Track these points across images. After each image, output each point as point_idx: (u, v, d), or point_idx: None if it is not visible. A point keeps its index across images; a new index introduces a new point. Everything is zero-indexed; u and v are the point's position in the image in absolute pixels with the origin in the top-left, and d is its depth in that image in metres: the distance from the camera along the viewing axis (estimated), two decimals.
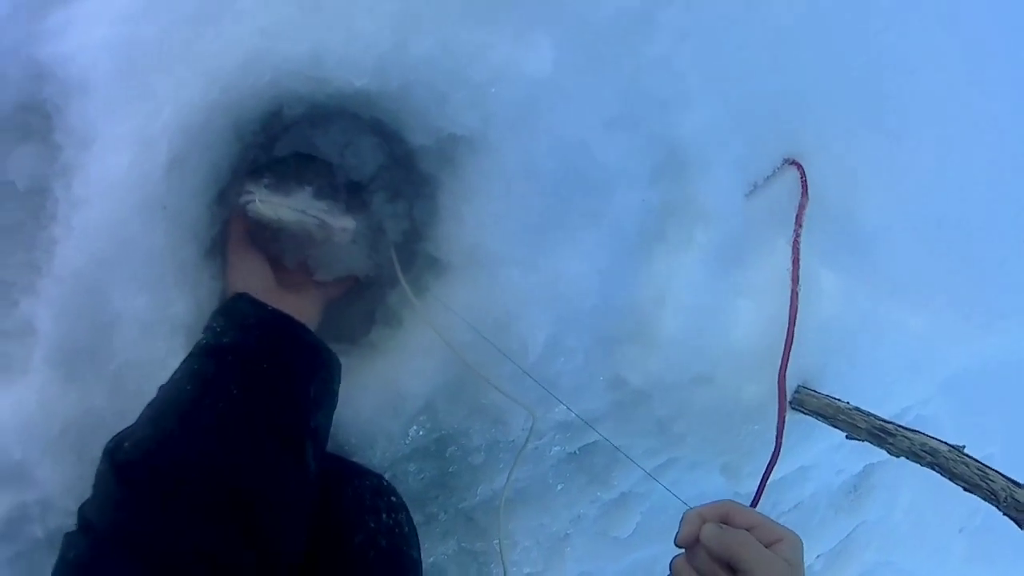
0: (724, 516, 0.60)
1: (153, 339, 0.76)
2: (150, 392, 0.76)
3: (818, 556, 1.58)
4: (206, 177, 0.77)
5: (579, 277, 0.87)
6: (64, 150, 0.77)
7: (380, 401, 0.87)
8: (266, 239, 0.79)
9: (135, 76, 0.70)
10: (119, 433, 0.62)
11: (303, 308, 0.75)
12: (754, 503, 1.03)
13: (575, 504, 1.09)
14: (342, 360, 0.78)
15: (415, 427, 0.90)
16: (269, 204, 0.74)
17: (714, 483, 1.14)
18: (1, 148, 0.79)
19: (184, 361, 0.67)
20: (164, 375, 0.76)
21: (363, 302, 0.93)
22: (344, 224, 0.77)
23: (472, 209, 0.82)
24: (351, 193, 0.82)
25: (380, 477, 0.81)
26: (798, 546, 0.58)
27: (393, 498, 0.79)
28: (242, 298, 0.71)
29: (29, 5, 0.75)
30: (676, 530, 0.62)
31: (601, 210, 0.87)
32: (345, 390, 0.79)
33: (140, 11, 0.71)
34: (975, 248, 1.15)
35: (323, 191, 0.77)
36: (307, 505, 0.66)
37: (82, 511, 0.58)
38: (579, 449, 1.05)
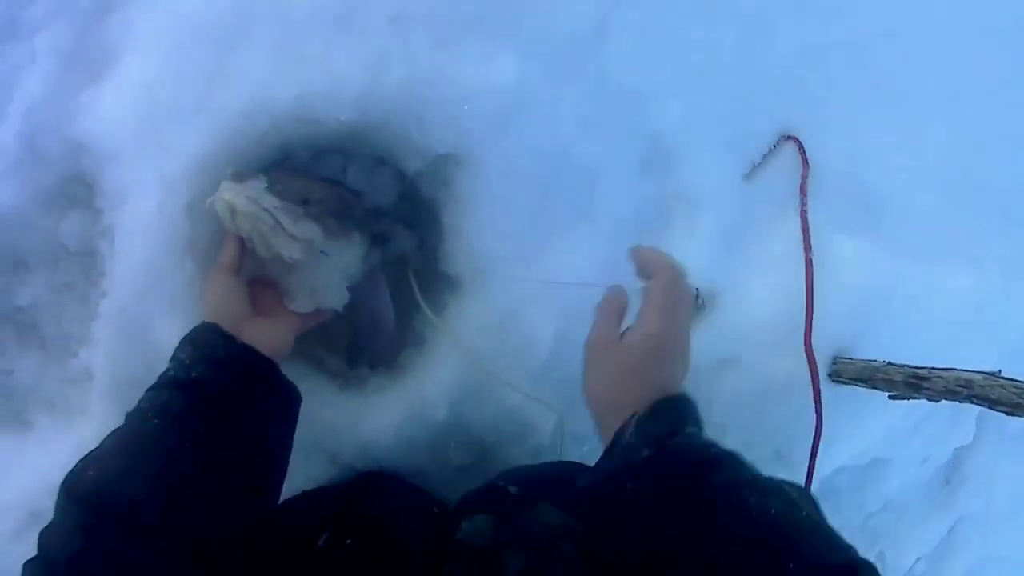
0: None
1: None
2: None
3: (919, 559, 1.50)
4: None
5: (579, 268, 0.94)
6: (105, 213, 0.93)
7: (408, 413, 0.95)
8: (241, 255, 0.79)
9: (154, 132, 0.85)
10: (83, 459, 0.63)
11: (275, 335, 0.76)
12: (806, 484, 1.02)
13: None
14: (374, 381, 0.85)
15: (452, 444, 0.97)
16: (228, 190, 0.74)
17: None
18: (53, 216, 0.95)
19: (151, 390, 0.68)
20: None
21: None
22: (301, 232, 0.76)
23: (468, 221, 0.92)
24: (341, 216, 0.83)
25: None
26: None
27: None
28: (212, 329, 0.72)
29: (64, 88, 0.91)
30: None
31: (591, 203, 0.96)
32: (378, 409, 0.88)
33: (154, 77, 0.86)
34: (1011, 202, 1.12)
35: (288, 195, 0.77)
36: (266, 543, 0.67)
37: (41, 537, 0.58)
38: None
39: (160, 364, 0.85)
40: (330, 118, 0.85)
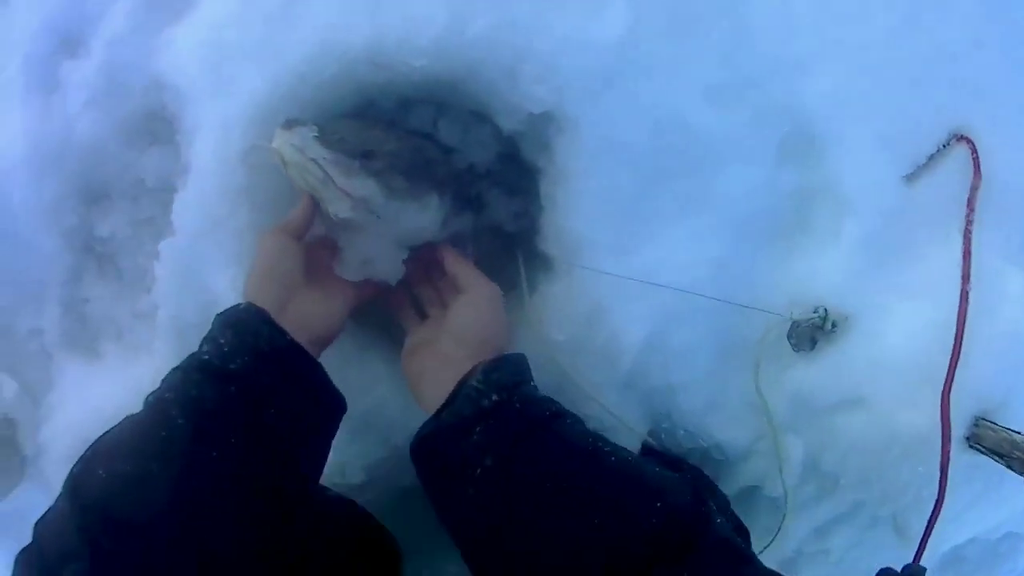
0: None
1: None
2: None
3: None
4: None
5: (684, 267, 0.78)
6: (183, 149, 0.88)
7: None
8: (308, 218, 0.71)
9: (218, 73, 0.78)
10: (94, 446, 0.56)
11: (327, 311, 0.68)
12: (915, 558, 0.83)
13: None
14: None
15: None
16: (277, 138, 0.66)
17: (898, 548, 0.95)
18: (135, 150, 0.92)
19: (179, 371, 0.59)
20: None
21: None
22: (354, 188, 0.67)
23: (563, 192, 0.78)
24: (416, 174, 0.72)
25: None
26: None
27: None
28: (256, 315, 0.61)
29: (146, 25, 0.88)
30: None
31: (709, 191, 0.78)
32: None
33: (225, 17, 0.79)
34: None
35: (347, 145, 0.67)
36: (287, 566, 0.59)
37: (37, 528, 0.52)
38: (736, 494, 0.91)
39: (212, 311, 0.81)
40: (404, 64, 0.74)
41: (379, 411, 0.84)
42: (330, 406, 0.65)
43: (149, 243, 0.95)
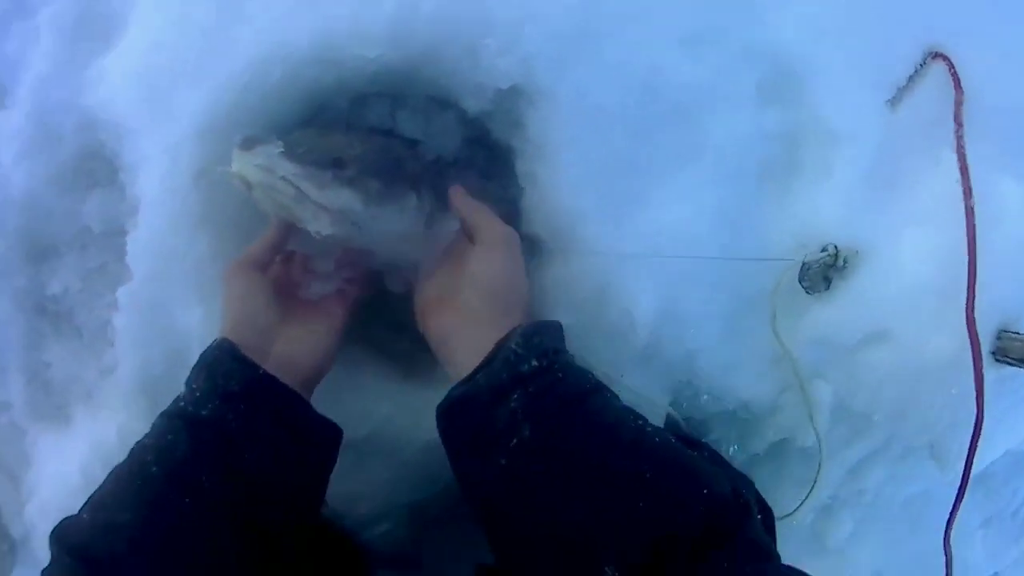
0: None
1: None
2: None
3: None
4: None
5: (684, 224, 0.73)
6: (127, 187, 0.80)
7: None
8: (272, 246, 0.67)
9: (157, 97, 0.71)
10: (86, 502, 0.55)
11: (313, 344, 0.63)
12: (960, 491, 0.81)
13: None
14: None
15: None
16: (237, 160, 0.59)
17: (933, 476, 0.93)
18: (75, 197, 0.84)
19: (162, 417, 0.58)
20: None
21: None
22: (331, 200, 0.61)
23: (543, 169, 0.72)
24: (389, 174, 0.67)
25: None
26: None
27: None
28: (228, 351, 0.58)
29: (71, 61, 0.80)
30: None
31: (699, 142, 0.74)
32: None
33: (156, 38, 0.72)
34: None
35: (314, 157, 0.62)
36: None
37: None
38: (766, 450, 0.87)
39: (184, 355, 0.73)
40: (357, 57, 0.67)
41: (382, 431, 0.77)
42: (318, 436, 0.61)
43: (105, 293, 0.86)
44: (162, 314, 0.73)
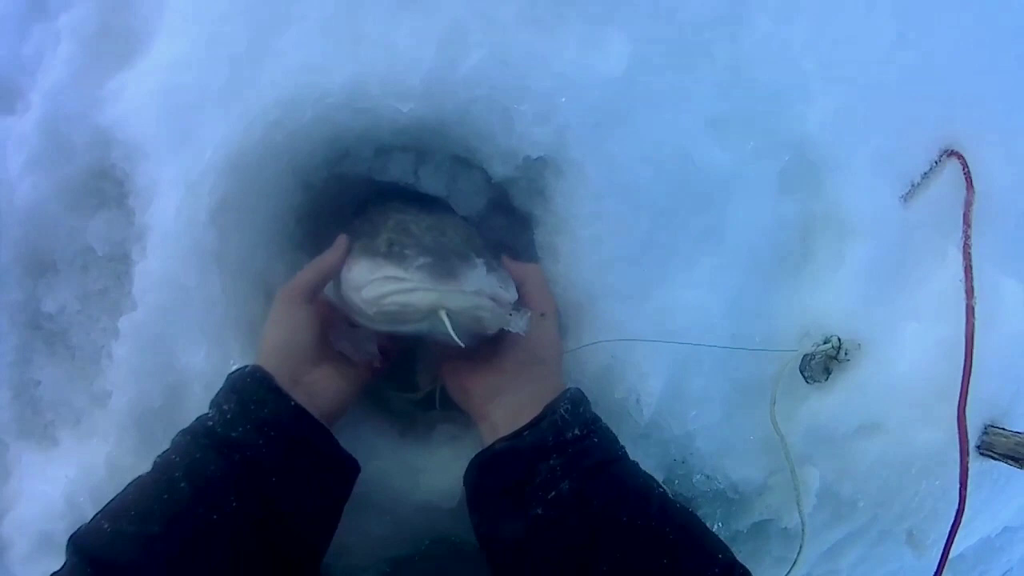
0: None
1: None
2: None
3: None
4: (267, 226, 0.71)
5: (698, 308, 0.71)
6: (137, 214, 0.75)
7: None
8: (323, 281, 0.63)
9: (177, 122, 0.66)
10: (101, 511, 0.54)
11: (341, 387, 0.63)
12: (938, 570, 0.79)
13: None
14: (443, 428, 0.71)
15: None
16: (448, 299, 0.53)
17: (905, 559, 0.92)
18: (81, 215, 0.78)
19: (186, 434, 0.57)
20: None
21: None
22: (502, 295, 0.57)
23: (565, 241, 0.69)
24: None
25: None
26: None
27: None
28: (263, 381, 0.58)
29: (90, 72, 0.74)
30: None
31: (719, 226, 0.71)
32: (446, 463, 0.71)
33: (183, 60, 0.67)
34: None
35: (481, 254, 0.57)
36: None
37: None
38: (748, 528, 0.86)
39: (182, 393, 0.69)
40: (390, 108, 0.64)
41: (379, 486, 0.73)
42: (339, 470, 0.62)
43: (102, 318, 0.81)
44: (164, 349, 0.68)
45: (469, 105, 0.64)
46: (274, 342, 0.61)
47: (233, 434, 0.55)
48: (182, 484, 0.53)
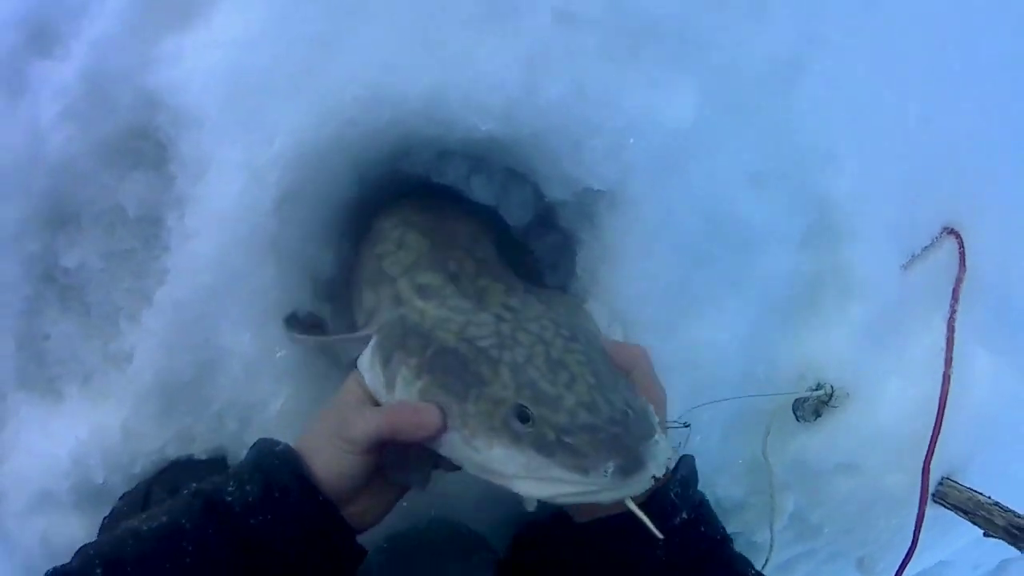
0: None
1: (257, 381, 0.69)
2: (250, 434, 0.70)
3: None
4: (322, 217, 0.70)
5: (717, 345, 0.74)
6: (178, 180, 0.72)
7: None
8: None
9: (246, 103, 0.64)
10: (93, 552, 0.48)
11: (375, 511, 0.56)
12: None
13: None
14: None
15: None
16: (621, 491, 0.45)
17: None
18: (113, 173, 0.75)
19: (196, 498, 0.51)
20: (264, 418, 0.70)
21: None
22: None
23: (610, 270, 0.70)
24: None
25: None
26: None
27: None
28: (293, 469, 0.51)
29: (142, 29, 0.71)
30: None
31: (747, 273, 0.75)
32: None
33: (255, 37, 0.64)
34: None
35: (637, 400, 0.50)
36: None
37: None
38: None
39: (215, 371, 0.68)
40: (467, 124, 0.64)
41: None
42: (350, 561, 0.55)
43: (125, 278, 0.78)
44: (205, 327, 0.67)
45: (544, 132, 0.64)
46: (315, 467, 0.52)
47: (251, 520, 0.50)
48: (187, 560, 0.48)
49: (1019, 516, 0.80)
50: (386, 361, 0.53)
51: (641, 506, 0.47)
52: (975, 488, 0.86)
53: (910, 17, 0.83)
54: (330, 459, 0.52)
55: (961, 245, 0.84)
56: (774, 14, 0.72)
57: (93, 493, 0.74)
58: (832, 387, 0.80)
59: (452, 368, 0.50)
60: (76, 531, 0.74)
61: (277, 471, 0.51)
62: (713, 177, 0.70)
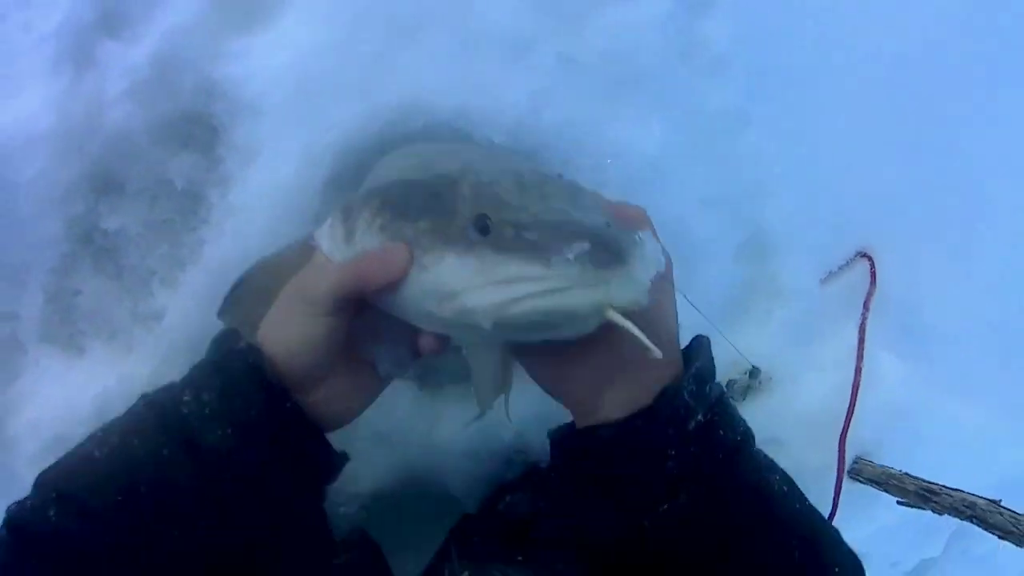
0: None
1: None
2: None
3: None
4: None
5: None
6: (225, 162, 0.82)
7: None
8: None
9: (308, 101, 0.76)
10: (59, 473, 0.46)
11: (351, 401, 0.52)
12: None
13: None
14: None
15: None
16: (596, 289, 0.38)
17: None
18: (164, 150, 0.84)
19: (151, 413, 0.47)
20: None
21: None
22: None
23: None
24: None
25: None
26: None
27: None
28: (260, 382, 0.46)
29: (213, 27, 0.80)
30: None
31: (693, 279, 0.91)
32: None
33: (320, 46, 0.77)
34: None
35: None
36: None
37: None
38: None
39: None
40: (483, 135, 0.78)
41: (397, 430, 0.85)
42: (327, 467, 0.52)
43: (161, 245, 0.87)
44: None
45: (542, 147, 0.80)
46: (279, 347, 0.47)
47: (209, 438, 0.45)
48: (142, 489, 0.44)
49: (928, 482, 0.96)
50: (347, 215, 0.48)
51: (648, 408, 0.43)
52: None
53: (841, 85, 1.01)
54: (294, 332, 0.47)
55: (872, 266, 1.03)
56: (730, 72, 0.90)
57: None
58: (759, 369, 0.96)
59: (412, 194, 0.44)
60: None
61: (238, 382, 0.46)
62: (670, 197, 0.87)
